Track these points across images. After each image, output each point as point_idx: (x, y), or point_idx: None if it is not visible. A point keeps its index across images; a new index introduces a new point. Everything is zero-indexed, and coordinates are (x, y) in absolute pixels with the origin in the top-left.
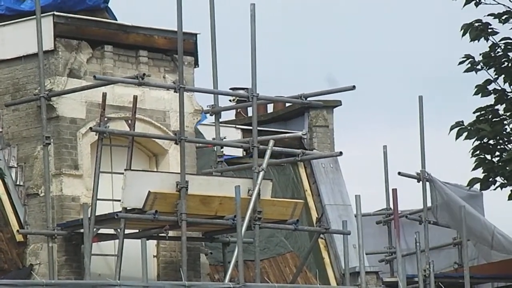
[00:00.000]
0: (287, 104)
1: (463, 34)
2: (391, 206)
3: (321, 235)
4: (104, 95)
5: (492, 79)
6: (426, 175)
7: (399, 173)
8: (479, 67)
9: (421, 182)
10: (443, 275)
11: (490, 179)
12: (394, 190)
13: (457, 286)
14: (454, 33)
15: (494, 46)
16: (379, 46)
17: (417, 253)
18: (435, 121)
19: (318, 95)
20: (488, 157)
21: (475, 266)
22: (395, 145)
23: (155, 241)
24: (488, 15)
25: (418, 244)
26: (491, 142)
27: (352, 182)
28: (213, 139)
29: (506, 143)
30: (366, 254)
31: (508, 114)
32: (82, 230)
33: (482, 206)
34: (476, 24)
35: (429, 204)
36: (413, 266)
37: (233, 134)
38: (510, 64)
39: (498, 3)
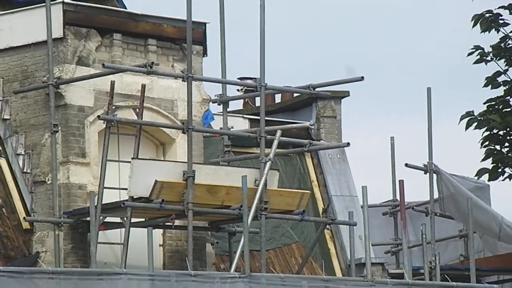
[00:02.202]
0: (295, 94)
1: (474, 25)
2: (398, 197)
3: (327, 226)
4: (112, 84)
5: (502, 70)
6: (433, 166)
7: (406, 165)
8: (488, 58)
9: (428, 174)
10: (449, 267)
11: (499, 170)
12: (401, 182)
13: (463, 278)
14: (464, 23)
15: (505, 37)
16: (388, 36)
17: (423, 245)
18: (443, 113)
19: (326, 86)
20: (498, 147)
21: (481, 258)
22: (403, 137)
23: (161, 230)
24: (499, 7)
25: (424, 236)
26: (501, 133)
27: (359, 173)
28: (221, 128)
29: None
30: (372, 245)
31: None
32: (88, 218)
33: (489, 198)
34: (487, 15)
35: (436, 196)
36: (419, 258)
37: (240, 123)
38: None
39: None
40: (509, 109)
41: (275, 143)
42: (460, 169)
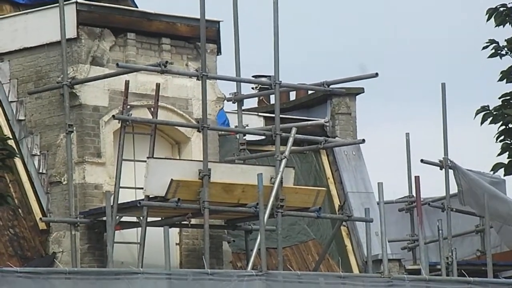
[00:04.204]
0: (310, 92)
1: (488, 19)
2: (414, 193)
3: (344, 223)
4: (127, 83)
5: None
6: (448, 162)
7: (422, 161)
8: (503, 52)
9: (443, 170)
10: (466, 263)
11: None
12: (417, 178)
13: (480, 273)
14: (479, 17)
15: None
16: (402, 32)
17: (439, 240)
18: (458, 108)
19: (341, 83)
20: None
21: (498, 253)
22: (418, 132)
23: (177, 229)
24: None
25: (440, 231)
26: None
27: (375, 170)
28: (236, 126)
29: None
30: (389, 241)
31: None
32: (104, 218)
33: (505, 192)
34: (501, 9)
35: (451, 191)
36: (436, 253)
37: (255, 121)
38: None
39: None
40: None
41: (290, 140)
42: (476, 164)
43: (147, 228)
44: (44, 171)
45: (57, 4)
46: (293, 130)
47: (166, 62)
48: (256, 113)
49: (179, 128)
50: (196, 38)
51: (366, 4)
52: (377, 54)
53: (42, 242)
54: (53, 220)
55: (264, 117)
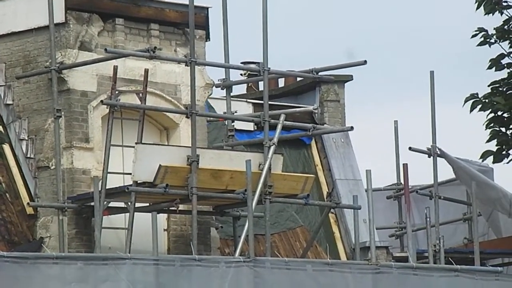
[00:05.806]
0: (298, 79)
1: (478, 7)
2: (402, 181)
3: (332, 210)
4: (115, 68)
5: (505, 53)
6: (437, 150)
7: (410, 148)
8: (492, 40)
9: (432, 157)
10: (453, 250)
11: (503, 152)
12: (405, 165)
13: (467, 261)
14: (468, 6)
15: (508, 20)
16: (391, 20)
17: (427, 228)
18: (447, 96)
19: (330, 70)
20: (503, 130)
21: (485, 241)
22: (407, 120)
23: (165, 215)
24: None
25: (428, 219)
26: (505, 115)
27: (363, 157)
28: (224, 113)
29: None
30: (377, 229)
31: None
32: (92, 203)
33: (493, 181)
34: None
35: (440, 179)
36: (424, 241)
37: (244, 108)
38: None
39: None
40: None
41: (279, 127)
42: (465, 152)
43: (135, 213)
44: (32, 156)
45: None
46: (282, 117)
47: (155, 47)
48: (244, 100)
49: (167, 114)
50: (185, 24)
51: None
52: (366, 42)
53: (29, 227)
54: (40, 205)
55: (253, 103)
